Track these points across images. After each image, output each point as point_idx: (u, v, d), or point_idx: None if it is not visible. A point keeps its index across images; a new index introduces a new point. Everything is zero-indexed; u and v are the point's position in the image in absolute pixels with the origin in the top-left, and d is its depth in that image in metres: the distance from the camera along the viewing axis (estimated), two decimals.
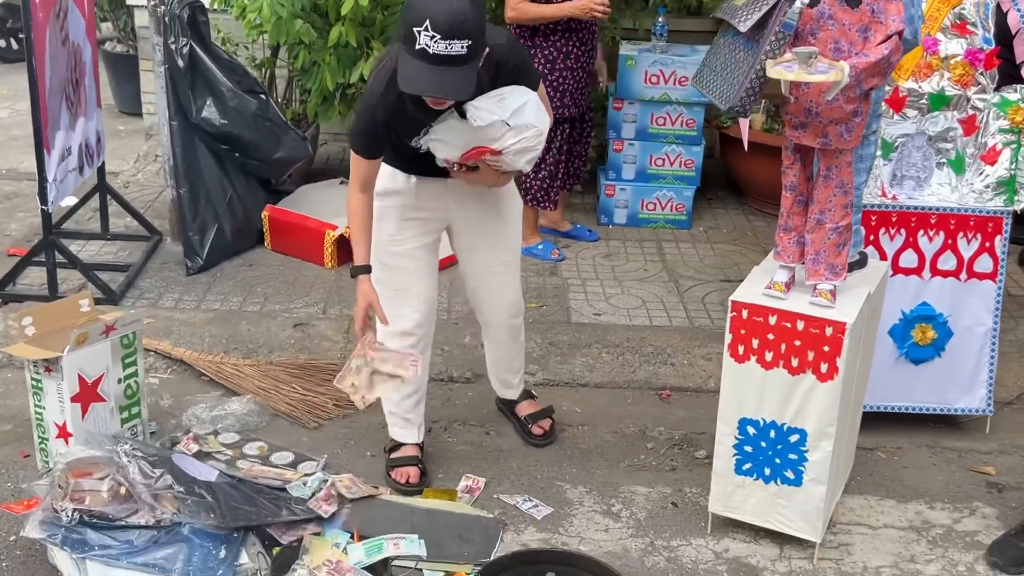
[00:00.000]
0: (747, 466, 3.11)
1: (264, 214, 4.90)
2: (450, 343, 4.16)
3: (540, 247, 4.95)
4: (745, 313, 2.96)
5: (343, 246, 4.77)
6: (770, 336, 2.95)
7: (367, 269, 3.07)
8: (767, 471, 3.08)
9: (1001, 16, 3.56)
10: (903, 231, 3.63)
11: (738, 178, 5.74)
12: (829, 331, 2.87)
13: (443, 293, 4.58)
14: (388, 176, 3.18)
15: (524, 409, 3.72)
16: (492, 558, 3.04)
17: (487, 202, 3.27)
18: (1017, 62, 3.64)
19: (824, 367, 2.90)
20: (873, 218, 3.57)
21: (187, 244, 4.64)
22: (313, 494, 3.17)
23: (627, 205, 5.34)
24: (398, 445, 3.45)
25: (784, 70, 2.57)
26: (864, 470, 3.57)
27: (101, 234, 4.92)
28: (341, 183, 5.33)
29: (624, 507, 3.35)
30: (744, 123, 3.94)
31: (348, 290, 4.59)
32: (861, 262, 3.16)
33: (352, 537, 2.85)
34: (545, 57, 4.60)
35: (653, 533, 3.23)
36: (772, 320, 2.93)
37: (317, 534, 2.87)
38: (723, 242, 5.26)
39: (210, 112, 4.57)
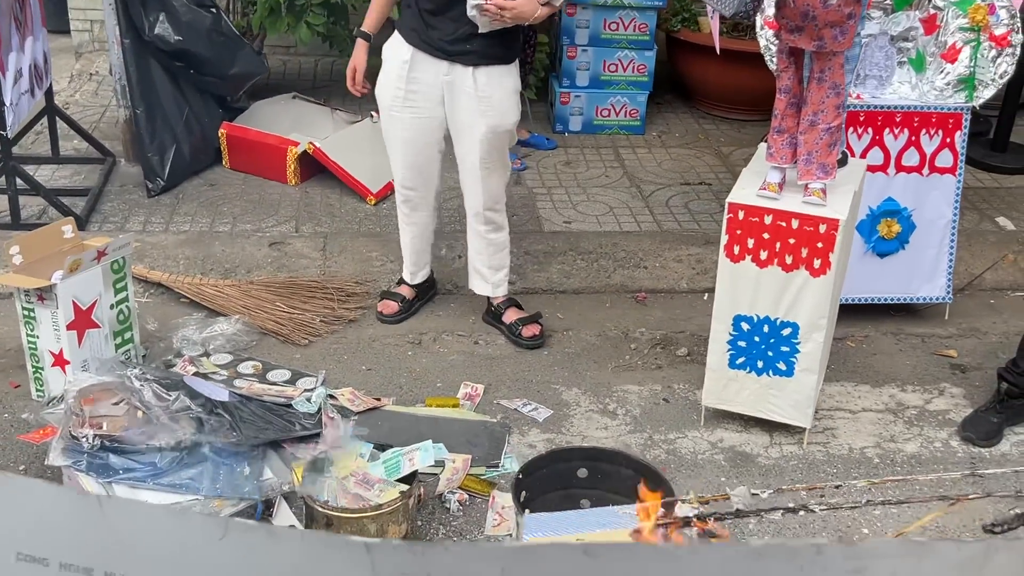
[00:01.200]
0: (740, 360, 3.26)
1: (221, 132, 4.81)
2: None
3: None
4: (741, 214, 3.07)
5: (305, 163, 4.73)
6: (765, 235, 3.07)
7: (365, 36, 3.61)
8: (760, 364, 3.24)
9: None
10: (870, 130, 3.78)
11: (687, 82, 5.82)
12: (823, 228, 3.00)
13: None
14: (394, 44, 3.49)
15: (511, 316, 3.82)
16: (501, 459, 3.16)
17: (473, 98, 3.43)
18: None
19: (817, 263, 3.04)
20: None
21: (147, 165, 4.54)
22: (319, 409, 3.22)
23: (582, 112, 5.39)
24: (398, 282, 3.96)
25: None
26: (837, 359, 3.76)
27: (52, 158, 4.78)
28: (294, 97, 5.25)
29: (619, 405, 3.48)
30: (715, 24, 3.98)
31: (316, 207, 4.58)
32: (843, 160, 3.29)
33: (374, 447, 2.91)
34: None
35: (650, 428, 3.38)
36: (767, 220, 3.05)
37: (340, 447, 2.92)
38: (677, 146, 5.36)
39: (163, 29, 4.44)
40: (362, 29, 3.61)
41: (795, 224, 3.03)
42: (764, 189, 3.09)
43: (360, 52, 3.60)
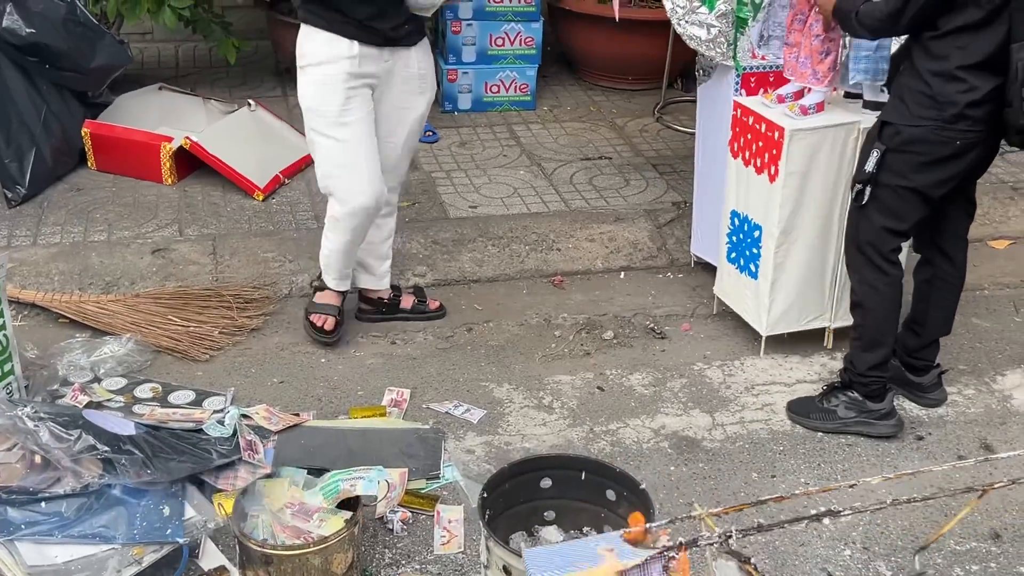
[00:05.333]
0: (733, 255, 3.49)
1: (85, 131, 4.40)
2: None
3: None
4: (739, 112, 3.35)
5: (181, 159, 4.37)
6: (748, 136, 3.27)
7: None
8: (741, 262, 3.46)
9: None
10: None
11: (573, 53, 5.66)
12: (776, 135, 3.15)
13: (309, 200, 4.31)
14: (327, 43, 3.09)
15: (408, 300, 3.68)
16: (440, 469, 2.96)
17: (413, 78, 3.25)
18: None
19: (773, 168, 3.23)
20: (752, 80, 3.59)
21: (4, 173, 4.10)
22: (235, 432, 2.93)
23: (471, 89, 5.16)
24: (322, 288, 3.46)
25: None
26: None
27: None
28: (160, 88, 4.86)
29: (554, 398, 3.31)
30: None
31: (199, 207, 4.24)
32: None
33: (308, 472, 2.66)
34: None
35: (589, 420, 3.23)
36: (750, 121, 3.25)
37: (270, 475, 2.66)
38: (570, 120, 5.20)
39: (12, 21, 3.99)
40: None
41: (763, 128, 3.23)
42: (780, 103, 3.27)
43: None
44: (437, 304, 3.71)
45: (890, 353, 3.18)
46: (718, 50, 3.49)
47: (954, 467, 1.97)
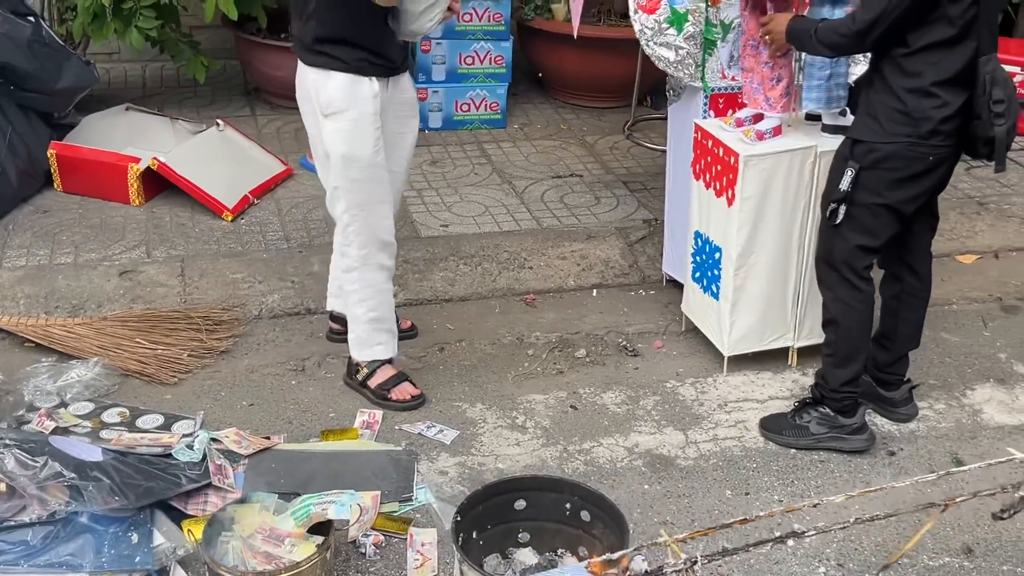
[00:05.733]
0: (697, 275, 3.51)
1: (51, 152, 4.35)
2: (298, 273, 3.90)
3: None
4: (699, 135, 3.38)
5: (149, 180, 4.33)
6: (708, 159, 3.29)
7: None
8: (704, 282, 3.47)
9: None
10: None
11: (543, 71, 5.67)
12: (732, 160, 3.17)
13: (279, 220, 4.28)
14: (348, 85, 2.99)
15: None
16: (413, 491, 2.93)
17: (406, 103, 3.22)
18: None
19: (730, 192, 3.23)
20: (720, 100, 3.61)
21: None
22: (204, 456, 2.90)
23: (441, 108, 5.16)
24: (374, 370, 3.29)
25: None
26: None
27: None
28: (127, 109, 4.82)
29: (527, 418, 3.30)
30: (576, 8, 3.81)
31: (167, 228, 4.20)
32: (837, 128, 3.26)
33: (279, 497, 2.63)
34: None
35: (563, 439, 3.21)
36: (709, 144, 3.33)
37: (240, 500, 2.63)
38: (541, 138, 5.21)
39: None
40: None
41: (720, 152, 3.24)
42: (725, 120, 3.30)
43: None
44: (409, 324, 3.69)
45: (862, 368, 3.19)
46: (686, 71, 3.51)
47: (916, 482, 1.97)
